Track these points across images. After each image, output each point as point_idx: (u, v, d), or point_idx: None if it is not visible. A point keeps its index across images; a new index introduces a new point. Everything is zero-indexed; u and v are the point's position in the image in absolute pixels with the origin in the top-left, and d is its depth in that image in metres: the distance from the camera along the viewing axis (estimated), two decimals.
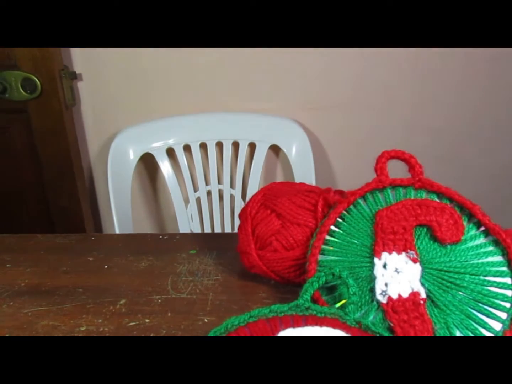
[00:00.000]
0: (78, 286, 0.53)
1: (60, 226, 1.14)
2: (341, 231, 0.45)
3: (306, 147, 1.06)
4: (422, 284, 0.40)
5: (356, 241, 0.44)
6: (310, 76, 1.07)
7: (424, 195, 0.45)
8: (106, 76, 1.06)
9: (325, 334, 0.34)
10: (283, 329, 0.35)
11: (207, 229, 1.13)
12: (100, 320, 0.47)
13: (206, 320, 0.47)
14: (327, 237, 0.45)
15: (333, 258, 0.44)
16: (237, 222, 1.12)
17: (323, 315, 0.38)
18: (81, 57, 1.04)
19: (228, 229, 1.13)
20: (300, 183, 0.55)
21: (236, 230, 1.19)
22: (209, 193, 1.12)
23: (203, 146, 1.08)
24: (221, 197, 1.13)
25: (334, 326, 0.35)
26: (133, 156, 1.05)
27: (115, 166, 1.03)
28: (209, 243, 0.62)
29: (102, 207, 1.23)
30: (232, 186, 1.11)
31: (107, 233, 1.23)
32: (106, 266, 0.57)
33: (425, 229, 0.42)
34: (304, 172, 1.07)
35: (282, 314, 0.38)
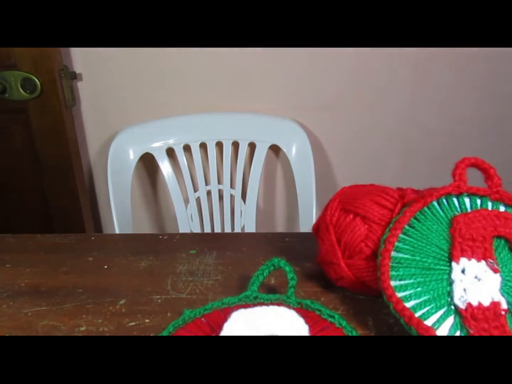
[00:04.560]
0: (78, 286, 0.53)
1: (60, 226, 1.14)
2: (415, 230, 0.44)
3: (306, 147, 1.06)
4: (502, 295, 0.39)
5: (431, 243, 0.43)
6: (310, 76, 1.07)
7: (500, 207, 0.44)
8: (106, 76, 1.06)
9: (272, 311, 0.36)
10: (235, 310, 0.37)
11: (207, 229, 1.13)
12: (100, 320, 0.47)
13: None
14: (401, 235, 0.44)
15: (408, 256, 0.43)
16: (237, 222, 1.12)
17: (269, 301, 0.43)
18: (81, 57, 1.04)
19: (228, 229, 1.13)
20: (371, 184, 0.52)
21: (236, 230, 1.19)
22: (209, 193, 1.12)
23: (203, 146, 1.08)
24: (221, 197, 1.13)
25: (279, 305, 0.38)
26: (133, 156, 1.05)
27: (115, 166, 1.03)
28: (209, 243, 0.62)
29: (102, 207, 1.23)
30: (232, 186, 1.11)
31: (107, 233, 1.23)
32: (106, 266, 0.57)
33: (503, 241, 0.42)
34: (304, 172, 1.07)
35: (234, 304, 0.44)
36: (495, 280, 0.40)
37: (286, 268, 0.44)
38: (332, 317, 0.41)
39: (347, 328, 0.41)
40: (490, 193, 0.45)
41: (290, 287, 0.44)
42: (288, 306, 0.41)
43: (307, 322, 0.36)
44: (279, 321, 0.35)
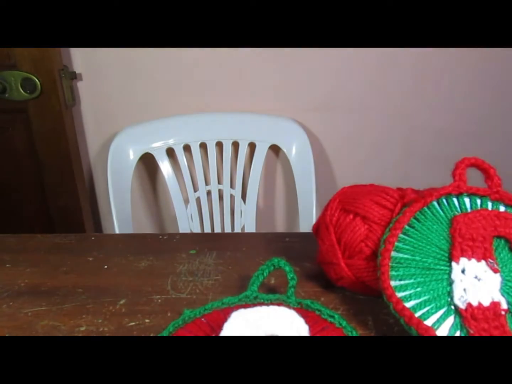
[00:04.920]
0: (78, 286, 0.53)
1: (60, 226, 1.14)
2: (415, 230, 0.44)
3: (306, 147, 1.06)
4: (502, 295, 0.39)
5: (431, 243, 0.43)
6: (310, 76, 1.07)
7: (500, 207, 0.44)
8: (106, 76, 1.06)
9: (272, 311, 0.36)
10: (235, 310, 0.37)
11: (207, 229, 1.13)
12: (100, 320, 0.47)
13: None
14: (401, 235, 0.44)
15: (408, 256, 0.43)
16: (237, 222, 1.12)
17: (269, 301, 0.43)
18: (81, 57, 1.04)
19: (228, 229, 1.13)
20: (371, 184, 0.52)
21: (236, 230, 1.19)
22: (209, 193, 1.12)
23: (203, 146, 1.08)
24: (221, 197, 1.13)
25: (279, 305, 0.37)
26: (133, 156, 1.05)
27: (115, 166, 1.03)
28: (209, 243, 0.62)
29: (102, 207, 1.23)
30: (232, 186, 1.11)
31: (107, 233, 1.23)
32: (106, 266, 0.57)
33: (503, 241, 0.42)
34: (304, 172, 1.07)
35: (234, 304, 0.44)
36: (495, 280, 0.40)
37: (286, 268, 0.44)
38: (332, 317, 0.41)
39: (347, 328, 0.41)
40: (490, 193, 0.45)
41: (290, 287, 0.44)
42: (288, 306, 0.41)
43: (307, 322, 0.36)
44: (279, 321, 0.35)
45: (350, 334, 0.40)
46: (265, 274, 0.45)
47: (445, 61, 1.05)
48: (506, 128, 1.14)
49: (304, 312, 0.40)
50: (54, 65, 0.98)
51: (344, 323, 0.41)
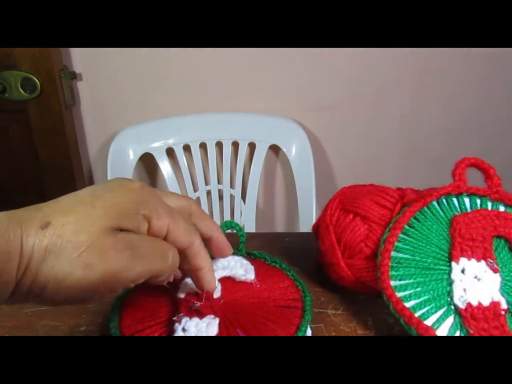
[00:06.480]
0: None
1: None
2: (414, 230, 0.44)
3: (306, 147, 1.06)
4: (502, 295, 0.39)
5: (431, 243, 0.43)
6: (310, 76, 1.07)
7: (500, 207, 0.45)
8: (106, 76, 1.06)
9: (228, 259, 0.44)
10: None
11: None
12: (100, 320, 0.47)
13: None
14: (400, 235, 0.44)
15: (407, 256, 0.43)
16: (237, 222, 1.12)
17: None
18: (81, 57, 1.04)
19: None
20: (371, 184, 0.52)
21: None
22: (209, 193, 1.12)
23: (203, 146, 1.08)
24: (221, 197, 1.13)
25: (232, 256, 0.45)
26: (133, 156, 1.05)
27: (115, 166, 1.03)
28: None
29: None
30: (232, 186, 1.11)
31: None
32: None
33: (502, 241, 0.42)
34: (304, 172, 1.07)
35: None
36: (495, 280, 0.40)
37: (236, 227, 0.49)
38: (275, 261, 0.47)
39: (286, 268, 0.46)
40: (490, 193, 0.45)
41: (240, 242, 0.49)
42: (240, 256, 0.46)
43: (253, 264, 0.44)
44: (231, 264, 0.44)
45: (289, 274, 0.45)
46: None
47: (446, 61, 1.05)
48: (506, 128, 1.14)
49: (252, 260, 0.46)
50: (54, 65, 0.98)
51: (284, 265, 0.46)
